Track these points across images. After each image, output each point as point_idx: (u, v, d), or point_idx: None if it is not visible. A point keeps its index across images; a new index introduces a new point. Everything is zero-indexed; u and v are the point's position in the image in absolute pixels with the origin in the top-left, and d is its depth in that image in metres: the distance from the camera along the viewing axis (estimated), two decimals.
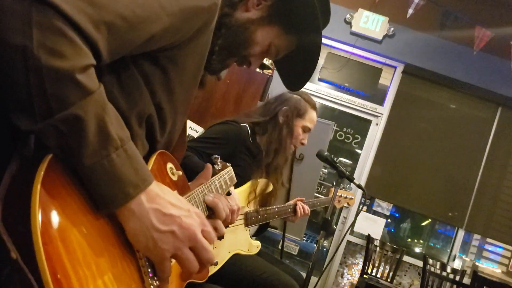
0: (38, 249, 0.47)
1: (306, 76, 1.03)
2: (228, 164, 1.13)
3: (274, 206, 1.92)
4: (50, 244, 0.48)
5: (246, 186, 1.79)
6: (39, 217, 0.48)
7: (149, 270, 0.65)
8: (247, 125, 1.86)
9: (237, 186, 1.70)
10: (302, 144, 1.96)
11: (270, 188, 1.89)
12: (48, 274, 0.46)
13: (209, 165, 1.02)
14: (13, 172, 0.52)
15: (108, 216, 0.60)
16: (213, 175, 1.00)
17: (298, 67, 1.03)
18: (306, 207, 2.07)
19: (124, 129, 0.60)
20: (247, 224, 1.76)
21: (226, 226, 1.53)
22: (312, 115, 1.96)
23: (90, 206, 0.58)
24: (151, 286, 0.65)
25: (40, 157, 0.53)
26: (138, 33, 0.60)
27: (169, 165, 0.83)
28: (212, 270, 1.58)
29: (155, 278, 0.66)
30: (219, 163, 1.06)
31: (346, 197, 2.48)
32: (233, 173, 1.13)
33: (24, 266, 0.46)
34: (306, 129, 1.96)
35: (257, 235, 2.03)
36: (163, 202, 0.62)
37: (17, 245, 0.48)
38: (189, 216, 0.64)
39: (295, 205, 2.04)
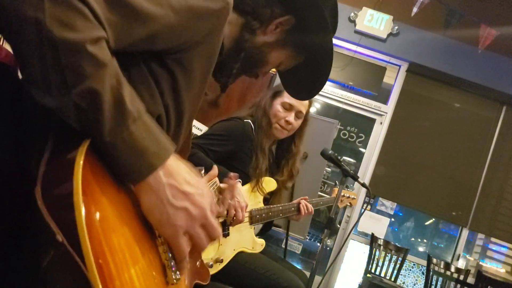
0: (82, 233, 0.45)
1: (316, 87, 1.05)
2: None
3: (279, 205, 1.91)
4: (93, 228, 0.47)
5: (251, 184, 1.78)
6: (82, 199, 0.47)
7: (172, 263, 0.66)
8: (250, 121, 1.86)
9: (242, 183, 1.70)
10: (288, 123, 1.90)
11: (275, 186, 1.89)
12: (92, 258, 0.45)
13: (216, 166, 1.04)
14: (48, 159, 0.52)
15: (138, 206, 0.61)
16: None
17: (305, 79, 1.04)
18: (310, 206, 2.07)
19: (139, 101, 0.60)
20: (252, 222, 1.76)
21: (228, 226, 1.54)
22: None
23: (122, 194, 0.58)
24: (173, 280, 0.66)
25: (71, 146, 0.52)
26: (143, 25, 0.60)
27: None
28: (217, 267, 1.59)
29: (178, 272, 0.67)
30: (202, 175, 1.08)
31: (348, 197, 2.47)
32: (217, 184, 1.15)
33: (71, 249, 0.45)
34: (286, 105, 1.90)
35: (261, 234, 2.03)
36: (179, 178, 0.63)
37: (59, 228, 0.46)
38: (202, 194, 0.66)
39: (299, 204, 2.04)
